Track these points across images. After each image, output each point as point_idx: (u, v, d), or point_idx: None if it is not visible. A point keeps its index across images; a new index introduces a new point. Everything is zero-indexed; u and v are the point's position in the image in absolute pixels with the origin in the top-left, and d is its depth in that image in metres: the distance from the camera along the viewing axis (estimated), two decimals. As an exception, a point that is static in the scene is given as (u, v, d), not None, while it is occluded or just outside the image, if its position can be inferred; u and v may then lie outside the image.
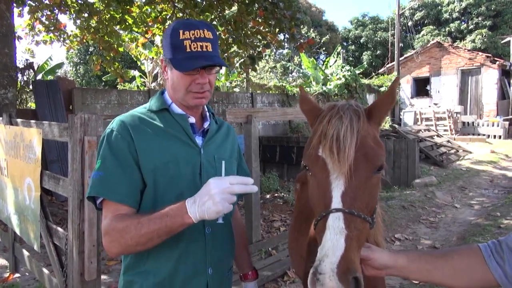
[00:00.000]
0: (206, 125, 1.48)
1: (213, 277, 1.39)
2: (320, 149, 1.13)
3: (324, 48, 28.68)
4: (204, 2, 6.80)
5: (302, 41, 7.09)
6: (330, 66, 16.91)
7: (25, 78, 8.77)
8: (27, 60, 9.28)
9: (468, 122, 16.59)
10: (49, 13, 7.16)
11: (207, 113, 1.51)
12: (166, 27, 7.78)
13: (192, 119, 1.44)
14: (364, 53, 29.65)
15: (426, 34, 27.61)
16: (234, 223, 1.65)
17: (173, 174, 1.33)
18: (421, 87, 20.24)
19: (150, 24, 7.85)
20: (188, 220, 1.16)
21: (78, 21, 7.38)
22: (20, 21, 7.54)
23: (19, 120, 3.61)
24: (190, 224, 1.17)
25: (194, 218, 1.15)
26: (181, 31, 1.32)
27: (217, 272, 1.41)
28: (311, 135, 1.22)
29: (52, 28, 7.46)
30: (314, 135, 1.17)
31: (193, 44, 1.30)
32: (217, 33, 1.45)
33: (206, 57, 1.32)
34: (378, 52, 29.29)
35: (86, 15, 7.05)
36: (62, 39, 7.99)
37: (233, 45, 7.21)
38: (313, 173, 1.16)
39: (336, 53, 17.94)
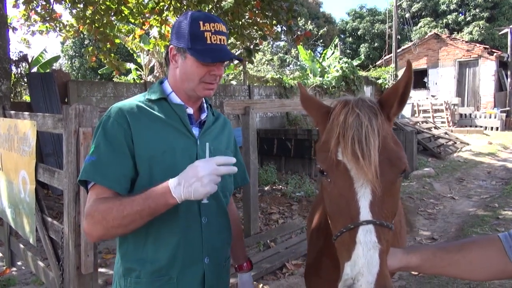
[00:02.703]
0: (203, 116, 1.48)
1: (209, 266, 1.40)
2: (340, 153, 1.02)
3: (321, 40, 28.57)
4: (201, -8, 6.70)
5: (299, 33, 7.03)
6: (327, 58, 16.85)
7: (19, 71, 8.66)
8: (21, 52, 9.15)
9: (465, 114, 16.62)
10: (44, 3, 7.05)
11: (205, 105, 1.52)
12: (163, 18, 7.69)
13: (190, 110, 1.44)
14: (361, 45, 29.56)
15: (424, 26, 27.53)
16: (229, 214, 1.64)
17: (169, 163, 1.32)
18: (419, 79, 20.22)
19: (147, 15, 7.74)
20: (172, 200, 1.16)
21: (74, 11, 7.26)
22: (15, 11, 7.38)
23: (12, 112, 3.56)
24: (174, 204, 1.18)
25: (179, 198, 1.15)
26: (201, 22, 1.33)
27: (213, 261, 1.42)
28: (323, 135, 1.11)
29: (48, 18, 7.35)
30: (329, 137, 1.06)
31: (213, 37, 1.34)
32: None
33: (224, 51, 1.36)
34: (376, 44, 29.20)
35: (81, 5, 6.95)
36: (58, 29, 7.86)
37: (230, 36, 7.13)
38: (332, 180, 1.05)
39: (333, 45, 17.88)
